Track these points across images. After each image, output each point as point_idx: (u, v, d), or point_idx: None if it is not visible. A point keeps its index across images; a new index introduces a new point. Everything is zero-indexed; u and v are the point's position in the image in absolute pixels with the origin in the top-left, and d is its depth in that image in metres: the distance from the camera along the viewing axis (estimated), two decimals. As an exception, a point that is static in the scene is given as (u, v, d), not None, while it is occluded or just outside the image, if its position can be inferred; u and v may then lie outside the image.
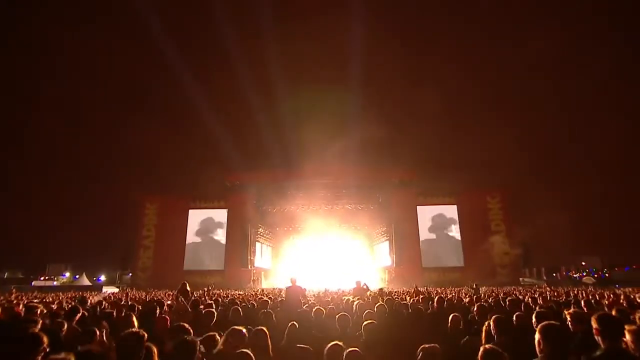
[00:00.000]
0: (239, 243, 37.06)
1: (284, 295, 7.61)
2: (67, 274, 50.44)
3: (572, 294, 10.89)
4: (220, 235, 38.66)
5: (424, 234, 37.87)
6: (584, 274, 53.69)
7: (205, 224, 39.07)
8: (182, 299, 8.11)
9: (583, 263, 60.45)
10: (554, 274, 53.95)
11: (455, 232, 38.02)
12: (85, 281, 40.59)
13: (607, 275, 53.06)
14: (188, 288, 9.19)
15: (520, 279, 36.65)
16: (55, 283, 43.23)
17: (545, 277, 46.39)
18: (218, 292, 17.99)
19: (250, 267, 37.05)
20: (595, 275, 52.23)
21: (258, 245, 39.71)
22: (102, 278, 51.51)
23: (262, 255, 41.14)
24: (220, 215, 39.21)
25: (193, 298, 8.14)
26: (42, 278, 44.68)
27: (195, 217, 39.17)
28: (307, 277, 34.95)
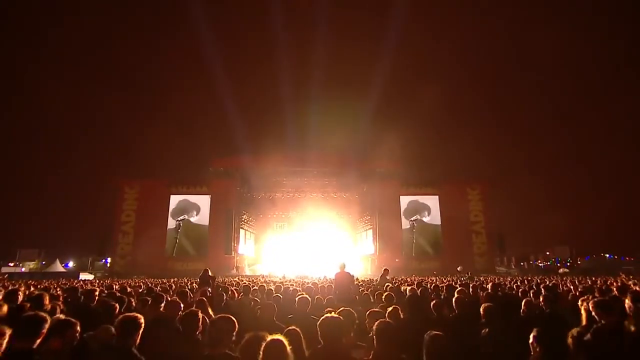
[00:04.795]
0: (222, 229, 36.39)
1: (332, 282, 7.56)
2: (35, 260, 47.86)
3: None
4: (198, 217, 37.86)
5: (404, 219, 38.74)
6: (549, 262, 57.01)
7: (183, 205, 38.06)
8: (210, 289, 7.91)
9: (547, 253, 64.14)
10: (522, 263, 56.84)
11: (429, 218, 39.03)
12: (58, 267, 38.67)
13: (569, 263, 56.59)
14: (211, 274, 8.92)
15: (497, 267, 38.45)
16: (23, 269, 40.91)
17: (514, 266, 48.85)
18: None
19: (234, 254, 36.62)
20: (559, 265, 55.63)
21: (242, 232, 39.22)
22: (70, 264, 49.27)
23: (246, 242, 40.71)
24: (201, 199, 38.27)
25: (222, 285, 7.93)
26: (11, 264, 42.13)
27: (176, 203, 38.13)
28: (290, 264, 35.20)
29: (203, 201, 37.97)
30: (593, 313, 3.48)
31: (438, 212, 38.85)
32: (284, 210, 41.80)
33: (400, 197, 39.17)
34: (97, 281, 21.55)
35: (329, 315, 2.38)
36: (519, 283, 10.49)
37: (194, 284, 10.80)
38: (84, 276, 32.82)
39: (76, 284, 16.63)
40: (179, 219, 37.20)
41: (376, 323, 2.29)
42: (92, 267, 44.06)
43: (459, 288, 5.30)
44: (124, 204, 37.18)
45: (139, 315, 2.64)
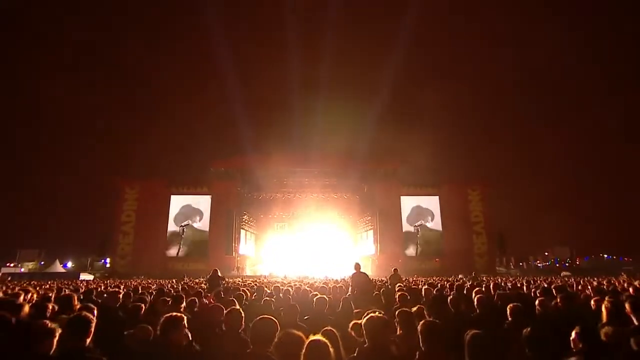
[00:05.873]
0: (223, 230, 36.34)
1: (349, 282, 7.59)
2: (34, 261, 47.71)
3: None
4: (201, 223, 37.85)
5: (406, 224, 38.80)
6: (548, 263, 57.23)
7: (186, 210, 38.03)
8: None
9: (546, 253, 64.46)
10: (521, 263, 57.09)
11: (433, 223, 39.11)
12: (58, 268, 38.55)
13: (568, 264, 56.85)
14: (220, 275, 8.97)
15: (497, 268, 38.60)
16: (22, 270, 40.76)
17: (513, 267, 49.07)
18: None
19: (235, 255, 36.56)
20: (558, 265, 55.87)
21: (242, 232, 39.18)
22: (69, 264, 49.11)
23: (246, 243, 40.68)
24: (203, 202, 38.26)
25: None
26: (11, 264, 41.93)
27: (177, 204, 38.10)
28: (290, 264, 35.20)
29: (205, 206, 37.95)
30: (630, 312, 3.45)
31: (440, 216, 38.96)
32: (285, 210, 41.80)
33: (401, 197, 39.24)
34: (104, 282, 21.48)
35: (374, 314, 2.41)
36: (524, 283, 10.57)
37: (202, 285, 10.83)
38: (84, 276, 32.75)
39: (80, 284, 16.62)
40: (182, 224, 37.22)
41: (422, 322, 2.33)
42: (91, 268, 43.99)
43: (477, 288, 5.36)
44: (125, 204, 37.13)
45: (181, 315, 2.70)
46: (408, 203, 39.28)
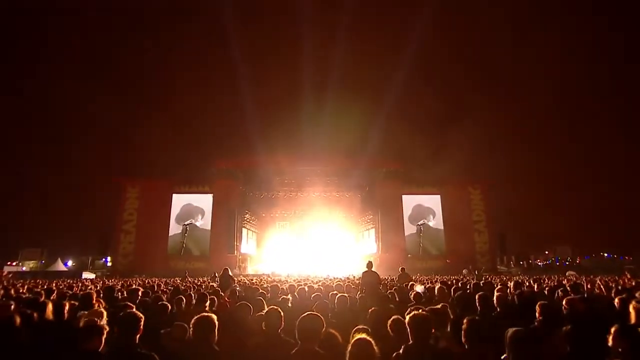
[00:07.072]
0: (225, 229, 36.35)
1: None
2: (36, 260, 47.74)
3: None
4: (203, 222, 37.90)
5: (408, 223, 38.86)
6: (549, 262, 57.39)
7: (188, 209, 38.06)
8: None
9: (547, 252, 64.60)
10: (521, 262, 57.11)
11: (435, 221, 39.19)
12: (60, 267, 38.57)
13: (568, 263, 57.02)
14: (231, 274, 9.00)
15: (498, 266, 38.70)
16: (24, 269, 40.78)
17: (513, 265, 49.12)
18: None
19: (236, 254, 36.58)
20: (558, 264, 56.02)
21: (244, 231, 39.21)
22: (69, 263, 49.09)
23: (248, 242, 40.70)
24: (204, 200, 38.29)
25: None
26: (13, 263, 41.97)
27: (179, 202, 38.11)
28: (292, 263, 35.21)
29: (207, 204, 37.98)
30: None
31: (442, 215, 39.03)
32: (286, 209, 41.88)
33: (403, 196, 39.32)
34: (109, 280, 21.48)
35: (417, 312, 2.43)
36: (532, 282, 10.61)
37: (208, 283, 10.86)
38: (86, 275, 32.77)
39: (86, 282, 16.64)
40: (185, 223, 37.29)
41: (465, 320, 2.36)
42: (92, 266, 43.96)
43: (498, 287, 5.40)
44: (126, 203, 37.13)
45: (213, 315, 2.70)
46: (409, 202, 39.37)
